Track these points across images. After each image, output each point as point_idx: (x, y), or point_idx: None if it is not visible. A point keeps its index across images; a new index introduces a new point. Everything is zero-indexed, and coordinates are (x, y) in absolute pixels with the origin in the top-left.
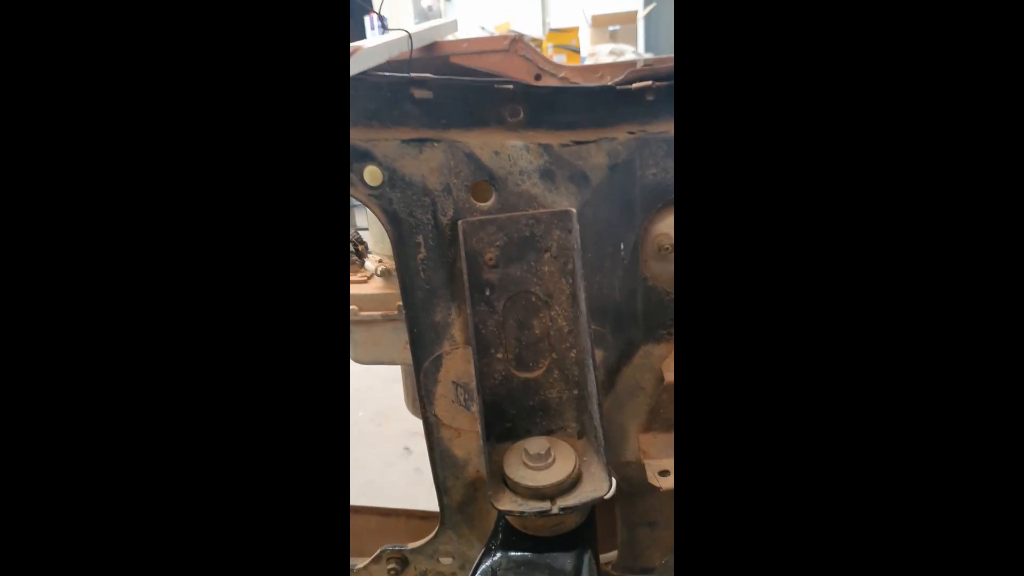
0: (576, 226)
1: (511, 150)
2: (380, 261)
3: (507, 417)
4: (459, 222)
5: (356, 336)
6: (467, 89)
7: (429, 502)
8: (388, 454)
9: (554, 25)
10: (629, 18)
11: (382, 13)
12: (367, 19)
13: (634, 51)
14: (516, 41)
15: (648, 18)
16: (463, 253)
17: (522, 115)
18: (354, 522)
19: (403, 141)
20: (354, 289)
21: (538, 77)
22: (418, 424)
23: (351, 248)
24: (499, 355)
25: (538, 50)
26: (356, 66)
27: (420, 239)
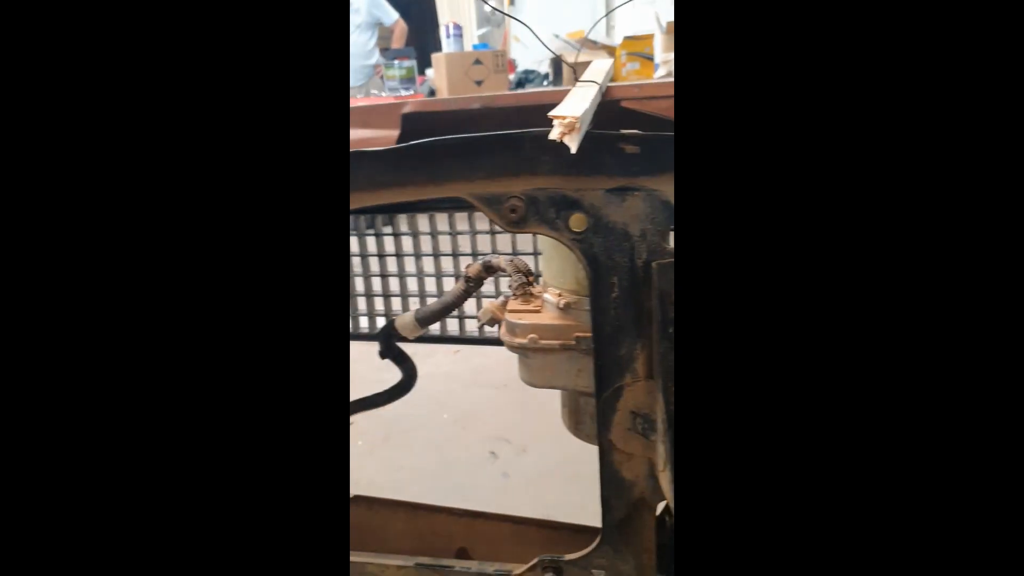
0: None
1: None
2: (559, 295)
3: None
4: (653, 263)
5: (531, 362)
6: (663, 140)
7: (517, 508)
8: (474, 457)
9: (625, 32)
10: None
11: (452, 21)
12: (443, 28)
13: None
14: None
15: None
16: (655, 293)
17: None
18: (487, 528)
19: (607, 191)
20: (530, 319)
21: None
22: (505, 429)
23: (523, 279)
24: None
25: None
26: (583, 130)
27: (615, 280)
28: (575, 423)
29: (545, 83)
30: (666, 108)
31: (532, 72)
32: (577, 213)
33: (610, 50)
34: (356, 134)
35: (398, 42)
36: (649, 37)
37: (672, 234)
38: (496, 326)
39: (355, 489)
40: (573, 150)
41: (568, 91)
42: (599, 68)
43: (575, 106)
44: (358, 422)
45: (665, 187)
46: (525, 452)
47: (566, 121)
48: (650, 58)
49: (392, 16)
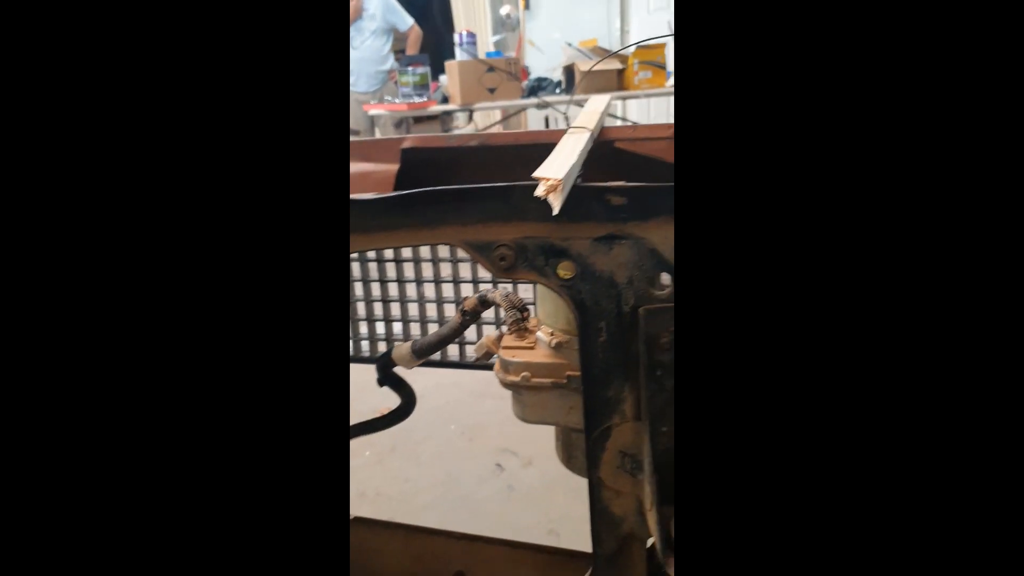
0: None
1: None
2: (552, 334)
3: (666, 484)
4: (640, 309)
5: (525, 399)
6: (650, 190)
7: (522, 521)
8: (480, 469)
9: (634, 38)
10: None
11: (466, 29)
12: (456, 36)
13: None
14: None
15: None
16: (641, 338)
17: None
18: (484, 552)
19: (595, 239)
20: (523, 356)
21: None
22: (511, 441)
23: (517, 315)
24: (664, 429)
25: None
26: (566, 189)
27: (602, 325)
28: (567, 457)
29: (558, 91)
30: (659, 149)
31: (545, 79)
32: (565, 261)
33: (622, 59)
34: (356, 167)
35: (413, 48)
36: (661, 47)
37: (660, 279)
38: (491, 359)
39: (363, 499)
40: (555, 211)
41: (562, 132)
42: (593, 109)
43: (561, 165)
44: None
45: (651, 235)
46: (531, 464)
47: (549, 183)
48: (662, 67)
49: (407, 22)
